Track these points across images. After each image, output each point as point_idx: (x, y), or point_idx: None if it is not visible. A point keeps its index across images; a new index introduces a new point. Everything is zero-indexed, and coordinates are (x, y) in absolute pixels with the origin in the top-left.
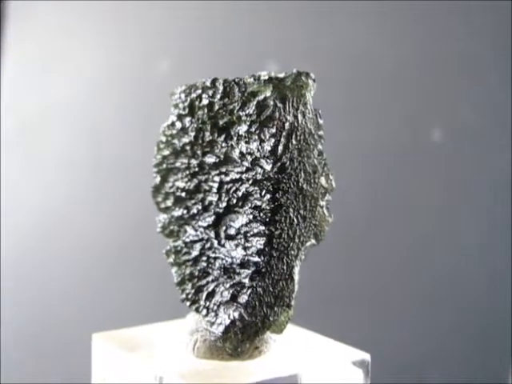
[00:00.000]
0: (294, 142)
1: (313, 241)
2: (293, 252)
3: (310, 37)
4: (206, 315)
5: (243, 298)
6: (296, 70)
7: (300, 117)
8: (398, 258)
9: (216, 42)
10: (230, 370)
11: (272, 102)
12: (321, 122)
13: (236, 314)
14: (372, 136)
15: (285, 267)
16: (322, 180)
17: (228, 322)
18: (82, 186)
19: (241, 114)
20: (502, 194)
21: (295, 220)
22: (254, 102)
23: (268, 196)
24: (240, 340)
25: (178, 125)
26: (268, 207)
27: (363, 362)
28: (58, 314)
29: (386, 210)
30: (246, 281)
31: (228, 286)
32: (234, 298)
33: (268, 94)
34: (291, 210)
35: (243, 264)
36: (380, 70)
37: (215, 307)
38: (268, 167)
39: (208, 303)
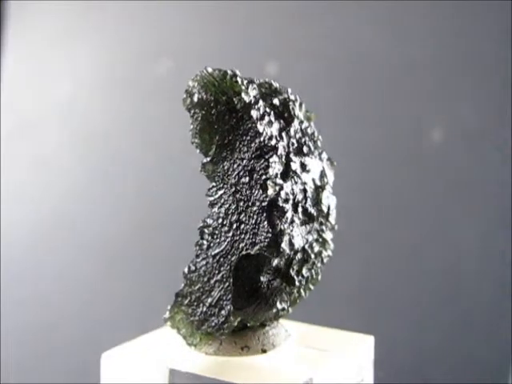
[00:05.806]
0: (220, 142)
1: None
2: (220, 256)
3: (310, 37)
4: None
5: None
6: (205, 68)
7: (220, 121)
8: (397, 258)
9: (216, 41)
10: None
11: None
12: (267, 132)
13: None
14: (372, 136)
15: (213, 268)
16: (270, 190)
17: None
18: (82, 185)
19: None
20: (502, 194)
21: (233, 224)
22: None
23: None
24: (186, 327)
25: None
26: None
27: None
28: (57, 312)
29: (386, 209)
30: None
31: None
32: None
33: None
34: (230, 212)
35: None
36: (380, 70)
37: None
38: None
39: None
